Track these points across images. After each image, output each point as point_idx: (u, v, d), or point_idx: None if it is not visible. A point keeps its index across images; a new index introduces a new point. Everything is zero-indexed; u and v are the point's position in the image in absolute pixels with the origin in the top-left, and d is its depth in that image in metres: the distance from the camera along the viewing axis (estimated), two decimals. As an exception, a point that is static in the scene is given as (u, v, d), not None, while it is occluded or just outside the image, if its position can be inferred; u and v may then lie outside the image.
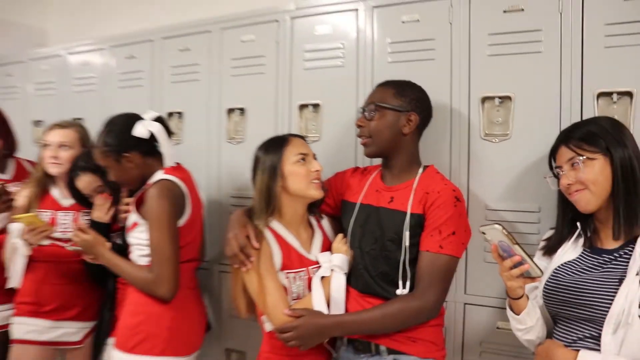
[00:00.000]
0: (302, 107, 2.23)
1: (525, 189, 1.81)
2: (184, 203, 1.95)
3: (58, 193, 2.39)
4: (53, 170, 2.32)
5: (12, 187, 2.39)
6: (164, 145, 2.01)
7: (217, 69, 2.46)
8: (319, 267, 1.79)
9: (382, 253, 1.67)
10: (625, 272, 1.34)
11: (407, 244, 1.62)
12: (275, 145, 1.78)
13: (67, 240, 2.29)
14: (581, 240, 1.51)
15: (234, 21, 2.42)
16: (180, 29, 2.61)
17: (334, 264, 1.75)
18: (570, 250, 1.51)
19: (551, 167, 1.58)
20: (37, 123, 3.25)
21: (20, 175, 2.59)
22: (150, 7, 3.37)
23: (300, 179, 1.75)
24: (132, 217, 1.96)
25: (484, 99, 1.87)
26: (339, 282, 1.73)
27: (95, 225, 2.15)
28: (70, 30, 3.82)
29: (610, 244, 1.44)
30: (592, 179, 1.42)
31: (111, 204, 2.21)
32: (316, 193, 1.78)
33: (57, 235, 2.30)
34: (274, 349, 1.76)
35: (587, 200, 1.44)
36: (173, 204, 1.90)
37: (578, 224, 1.52)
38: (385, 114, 1.70)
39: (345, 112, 2.11)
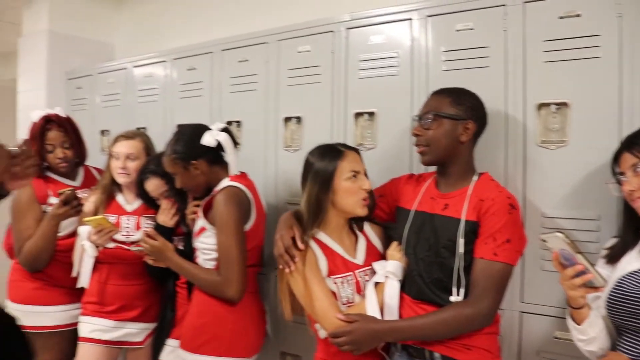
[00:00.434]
0: (358, 115, 2.25)
1: (584, 197, 1.77)
2: (250, 209, 2.03)
3: (122, 199, 2.51)
4: (122, 180, 2.45)
5: (81, 194, 2.53)
6: (230, 154, 2.09)
7: (274, 79, 2.52)
8: (366, 270, 1.82)
9: (436, 260, 1.67)
10: None
11: (461, 251, 1.61)
12: (330, 157, 1.79)
13: (130, 243, 2.42)
14: None
15: (290, 32, 2.47)
16: (238, 41, 2.68)
17: (388, 270, 1.76)
18: (635, 260, 1.47)
19: (614, 173, 1.54)
20: (103, 132, 3.40)
21: (89, 182, 2.71)
22: (210, 21, 3.46)
23: (349, 196, 1.78)
24: (200, 223, 2.05)
25: (540, 106, 1.85)
26: (392, 289, 1.74)
27: (159, 229, 2.24)
28: (135, 45, 3.97)
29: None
30: None
31: (176, 209, 2.30)
32: (362, 211, 1.80)
33: (120, 238, 2.41)
34: (328, 355, 1.79)
35: None
36: (240, 210, 1.98)
37: None
38: (442, 122, 1.69)
39: (400, 120, 2.12)
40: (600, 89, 1.75)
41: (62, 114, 2.55)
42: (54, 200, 2.48)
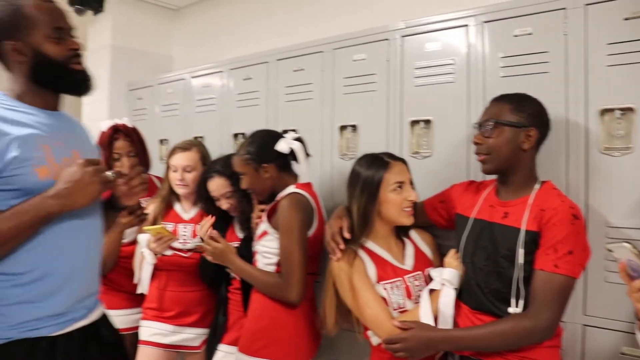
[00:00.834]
0: (414, 123, 2.24)
1: (652, 206, 1.70)
2: (313, 217, 2.07)
3: (180, 208, 2.58)
4: (180, 191, 2.52)
5: (143, 202, 2.60)
6: (302, 162, 2.15)
7: (329, 88, 2.53)
8: (415, 275, 1.82)
9: (494, 269, 1.64)
10: None
11: (521, 261, 1.57)
12: (376, 167, 1.82)
13: (187, 251, 2.48)
14: None
15: (345, 41, 2.48)
16: (293, 50, 2.71)
17: (444, 277, 1.75)
18: None
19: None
20: (162, 141, 3.49)
21: (151, 190, 2.77)
22: (265, 31, 3.52)
23: (393, 207, 1.81)
24: (262, 226, 2.09)
25: (603, 111, 1.79)
26: (448, 297, 1.72)
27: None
28: (193, 56, 4.08)
29: None
30: None
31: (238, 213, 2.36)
32: (407, 220, 1.84)
33: (178, 245, 2.47)
34: (381, 362, 1.79)
35: None
36: (304, 216, 2.02)
37: None
38: (503, 130, 1.66)
39: (457, 128, 2.10)
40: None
41: (129, 124, 2.64)
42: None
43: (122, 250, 2.57)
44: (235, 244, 2.33)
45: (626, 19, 1.75)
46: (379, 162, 1.84)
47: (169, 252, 2.47)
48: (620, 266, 1.32)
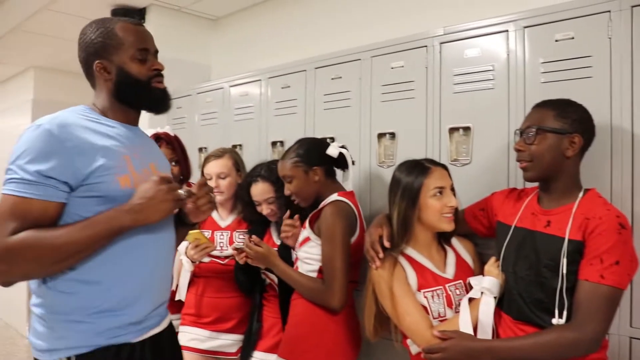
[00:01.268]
0: (452, 130, 2.22)
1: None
2: (355, 225, 2.08)
3: (217, 215, 2.61)
4: (217, 199, 2.53)
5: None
6: (350, 169, 2.20)
7: (367, 95, 2.53)
8: (456, 284, 1.81)
9: (537, 279, 1.60)
10: None
11: (565, 271, 1.53)
12: (417, 173, 1.82)
13: (224, 258, 2.51)
14: None
15: (383, 49, 2.48)
16: (331, 58, 2.72)
17: (484, 286, 1.73)
18: None
19: None
20: (201, 150, 3.54)
21: (191, 198, 2.84)
22: (302, 40, 3.55)
23: (433, 212, 1.80)
24: (305, 233, 2.12)
25: (650, 117, 1.74)
26: (487, 306, 1.70)
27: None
28: (231, 65, 4.15)
29: None
30: None
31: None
32: (447, 226, 1.82)
33: (215, 252, 2.50)
34: (421, 371, 1.78)
35: None
36: (347, 223, 2.03)
37: None
38: (546, 137, 1.62)
39: (497, 135, 2.07)
40: None
41: (171, 133, 2.68)
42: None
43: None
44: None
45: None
46: (419, 167, 1.84)
47: (206, 259, 2.50)
48: None
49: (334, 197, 2.10)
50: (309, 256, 2.09)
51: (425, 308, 1.77)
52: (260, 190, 2.37)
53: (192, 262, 2.47)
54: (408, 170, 1.85)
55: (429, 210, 1.81)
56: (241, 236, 2.51)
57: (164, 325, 1.63)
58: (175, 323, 2.60)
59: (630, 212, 1.75)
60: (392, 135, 2.44)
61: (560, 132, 1.61)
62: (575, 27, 1.91)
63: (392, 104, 2.44)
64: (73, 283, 1.41)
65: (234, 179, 2.58)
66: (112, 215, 1.41)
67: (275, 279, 2.32)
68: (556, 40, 1.95)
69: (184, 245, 2.45)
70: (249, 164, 2.63)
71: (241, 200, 2.49)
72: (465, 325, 1.68)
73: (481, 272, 1.82)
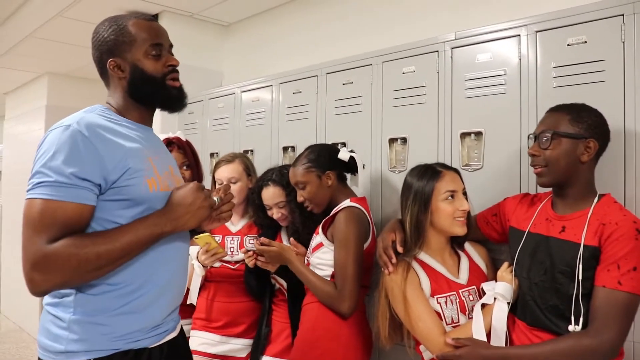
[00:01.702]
0: (464, 135, 2.21)
1: None
2: (368, 231, 2.08)
3: (228, 220, 2.62)
4: None
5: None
6: (360, 173, 2.20)
7: (378, 100, 2.53)
8: (469, 290, 1.80)
9: (552, 285, 1.59)
10: None
11: (580, 277, 1.52)
12: (428, 177, 1.82)
13: (235, 263, 2.51)
14: None
15: (394, 54, 2.48)
16: (342, 63, 2.73)
17: (497, 292, 1.72)
18: None
19: None
20: (213, 155, 3.55)
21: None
22: (314, 45, 3.56)
23: (445, 217, 1.80)
24: (318, 238, 2.12)
25: (664, 121, 1.73)
26: (501, 312, 1.69)
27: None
28: (243, 71, 4.16)
29: None
30: None
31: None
32: (459, 230, 1.81)
33: (226, 257, 2.50)
34: (433, 378, 1.77)
35: None
36: (361, 229, 2.03)
37: None
38: (561, 142, 1.61)
39: (509, 140, 2.06)
40: None
41: (183, 138, 2.69)
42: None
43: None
44: None
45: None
46: (430, 171, 1.84)
47: (217, 264, 2.51)
48: None
49: (347, 203, 2.10)
50: (322, 262, 2.10)
51: (438, 314, 1.76)
52: (271, 194, 2.37)
53: (203, 266, 2.48)
54: (420, 174, 1.85)
55: (441, 214, 1.80)
56: (252, 241, 2.52)
57: (178, 330, 1.63)
58: (186, 328, 2.62)
59: (644, 217, 1.73)
60: (404, 140, 2.43)
61: (576, 137, 1.60)
62: (588, 31, 1.90)
63: (403, 109, 2.44)
64: (97, 285, 1.39)
65: (244, 184, 2.58)
66: (153, 221, 1.40)
67: (285, 284, 2.33)
68: (568, 45, 1.94)
69: (195, 249, 2.46)
70: (260, 169, 2.64)
71: (252, 204, 2.49)
72: (478, 331, 1.67)
73: (494, 278, 1.81)
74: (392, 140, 2.48)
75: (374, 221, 2.20)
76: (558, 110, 1.68)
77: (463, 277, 1.84)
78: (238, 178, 2.57)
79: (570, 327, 1.53)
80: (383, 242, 1.85)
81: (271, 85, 3.15)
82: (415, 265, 1.82)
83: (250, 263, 2.30)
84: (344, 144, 2.61)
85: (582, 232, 1.55)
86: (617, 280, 1.46)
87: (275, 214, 2.39)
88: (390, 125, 2.49)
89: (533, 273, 1.65)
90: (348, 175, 2.30)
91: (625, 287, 1.45)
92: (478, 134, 2.18)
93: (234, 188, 2.54)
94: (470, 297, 1.80)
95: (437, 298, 1.77)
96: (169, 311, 1.55)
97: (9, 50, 5.09)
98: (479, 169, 2.16)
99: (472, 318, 1.73)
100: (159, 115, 1.61)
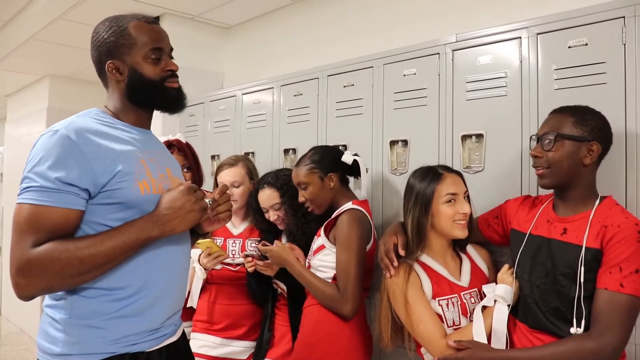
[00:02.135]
0: (465, 137, 2.21)
1: None
2: (370, 233, 2.09)
3: (229, 223, 2.59)
4: (235, 207, 2.55)
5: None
6: (363, 176, 2.21)
7: (379, 103, 2.53)
8: (471, 292, 1.80)
9: (553, 287, 1.58)
10: None
11: (582, 279, 1.51)
12: (429, 179, 1.82)
13: (236, 265, 2.51)
14: None
15: (395, 56, 2.48)
16: (343, 66, 2.72)
17: (497, 294, 1.72)
18: None
19: None
20: (214, 157, 3.55)
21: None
22: (315, 47, 3.57)
23: (445, 219, 1.80)
24: (320, 241, 2.13)
25: (665, 123, 1.72)
26: (501, 314, 1.69)
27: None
28: (243, 73, 4.17)
29: None
30: None
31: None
32: (460, 233, 1.82)
33: (227, 260, 2.50)
34: (434, 379, 1.77)
35: None
36: (363, 232, 2.04)
37: None
38: (564, 144, 1.60)
39: (510, 142, 2.06)
40: None
41: (183, 140, 2.68)
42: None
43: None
44: None
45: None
46: (432, 173, 1.84)
47: (218, 266, 2.51)
48: None
49: (349, 205, 2.11)
50: (324, 264, 2.09)
51: (439, 316, 1.76)
52: (266, 197, 2.38)
53: (205, 269, 2.48)
54: (421, 176, 1.86)
55: (441, 217, 1.80)
56: (253, 244, 2.52)
57: (178, 334, 1.62)
58: (187, 330, 2.62)
59: (645, 220, 1.73)
60: (405, 142, 2.43)
61: (579, 139, 1.59)
62: (589, 34, 1.90)
63: (404, 111, 2.44)
64: (93, 288, 1.38)
65: (247, 187, 2.58)
66: (139, 226, 1.38)
67: (285, 288, 2.33)
68: (569, 47, 1.94)
69: (196, 252, 2.46)
70: (262, 171, 2.65)
71: (251, 207, 2.50)
72: (479, 333, 1.67)
73: (495, 280, 1.81)
74: (393, 143, 2.48)
75: (374, 224, 2.20)
76: (562, 111, 1.67)
77: (465, 279, 1.84)
78: (241, 182, 2.57)
79: (573, 330, 1.52)
80: (385, 245, 1.85)
81: (272, 88, 3.15)
82: (416, 267, 1.82)
83: (250, 268, 2.30)
84: (345, 147, 2.60)
85: (584, 234, 1.55)
86: (619, 282, 1.46)
87: (272, 216, 2.39)
88: (391, 127, 2.49)
89: (534, 275, 1.65)
90: (351, 179, 2.29)
91: (627, 290, 1.45)
92: (479, 136, 2.17)
93: (237, 192, 2.54)
94: (472, 299, 1.80)
95: (438, 300, 1.77)
96: (168, 315, 1.53)
97: (10, 52, 5.11)
98: (480, 171, 2.16)
99: (472, 320, 1.73)
100: (160, 117, 1.60)
